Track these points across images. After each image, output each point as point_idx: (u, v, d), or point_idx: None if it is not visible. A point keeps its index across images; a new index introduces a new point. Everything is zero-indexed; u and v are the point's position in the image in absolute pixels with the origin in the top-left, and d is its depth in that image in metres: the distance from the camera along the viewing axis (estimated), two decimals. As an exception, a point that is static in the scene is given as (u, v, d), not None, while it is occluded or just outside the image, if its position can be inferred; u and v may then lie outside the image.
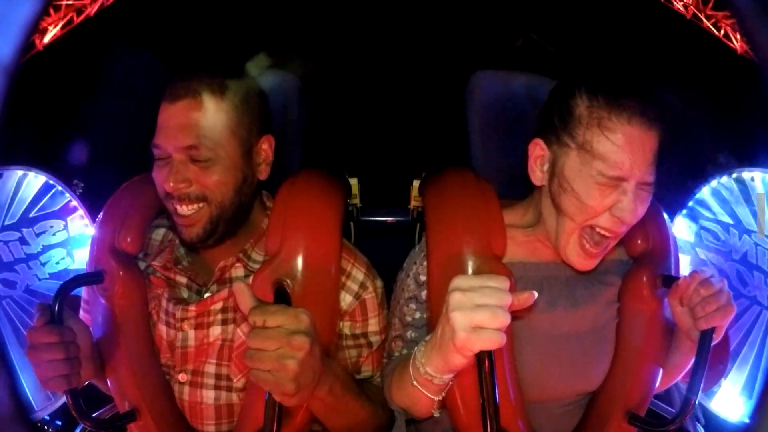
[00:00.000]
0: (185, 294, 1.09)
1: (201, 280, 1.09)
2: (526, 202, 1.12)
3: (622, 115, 0.91)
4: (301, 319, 0.80)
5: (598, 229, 0.96)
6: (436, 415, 0.94)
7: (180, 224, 1.00)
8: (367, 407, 1.04)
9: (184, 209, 0.98)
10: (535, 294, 0.79)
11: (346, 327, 1.09)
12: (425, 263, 1.07)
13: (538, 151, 1.01)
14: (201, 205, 0.98)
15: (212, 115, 0.96)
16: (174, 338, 1.07)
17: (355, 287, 1.08)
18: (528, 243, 1.08)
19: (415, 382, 0.88)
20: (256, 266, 1.04)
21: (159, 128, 0.98)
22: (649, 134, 0.92)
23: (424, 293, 1.07)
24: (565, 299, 1.06)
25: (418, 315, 1.08)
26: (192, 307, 1.05)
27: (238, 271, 1.08)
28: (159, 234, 1.16)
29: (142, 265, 1.13)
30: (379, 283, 1.13)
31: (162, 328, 1.08)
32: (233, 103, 0.99)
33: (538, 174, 1.02)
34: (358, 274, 1.09)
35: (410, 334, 1.08)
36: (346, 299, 1.08)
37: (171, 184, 0.96)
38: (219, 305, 1.05)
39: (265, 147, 1.06)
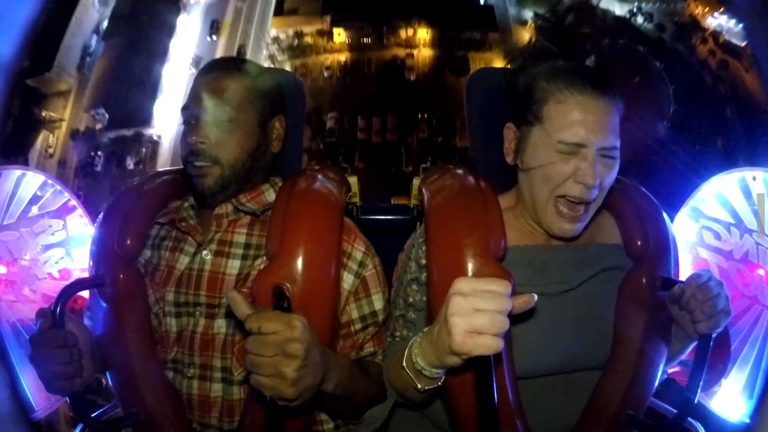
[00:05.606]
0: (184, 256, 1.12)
1: (200, 238, 1.13)
2: (514, 188, 1.16)
3: (574, 87, 1.00)
4: (294, 326, 0.81)
5: (568, 197, 1.02)
6: (417, 400, 0.96)
7: (194, 175, 1.10)
8: (372, 388, 1.06)
9: (197, 163, 1.09)
10: (535, 297, 0.81)
11: (353, 310, 1.11)
12: (424, 247, 1.08)
13: (510, 134, 1.10)
14: (211, 164, 1.09)
15: (236, 84, 1.12)
16: (185, 326, 1.08)
17: (355, 267, 1.11)
18: (520, 226, 1.12)
19: (406, 368, 0.89)
20: (244, 207, 1.13)
21: (189, 95, 1.12)
22: (602, 102, 1.00)
23: (424, 275, 1.08)
24: (562, 280, 1.08)
25: (418, 297, 1.10)
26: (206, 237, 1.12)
27: (240, 237, 1.12)
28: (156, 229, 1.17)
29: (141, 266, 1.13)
30: (377, 260, 1.16)
31: (172, 321, 1.09)
32: (252, 80, 1.15)
33: (512, 155, 1.10)
34: (357, 253, 1.12)
35: (411, 314, 1.11)
36: (348, 279, 1.10)
37: (193, 138, 1.08)
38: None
39: (278, 125, 1.19)
